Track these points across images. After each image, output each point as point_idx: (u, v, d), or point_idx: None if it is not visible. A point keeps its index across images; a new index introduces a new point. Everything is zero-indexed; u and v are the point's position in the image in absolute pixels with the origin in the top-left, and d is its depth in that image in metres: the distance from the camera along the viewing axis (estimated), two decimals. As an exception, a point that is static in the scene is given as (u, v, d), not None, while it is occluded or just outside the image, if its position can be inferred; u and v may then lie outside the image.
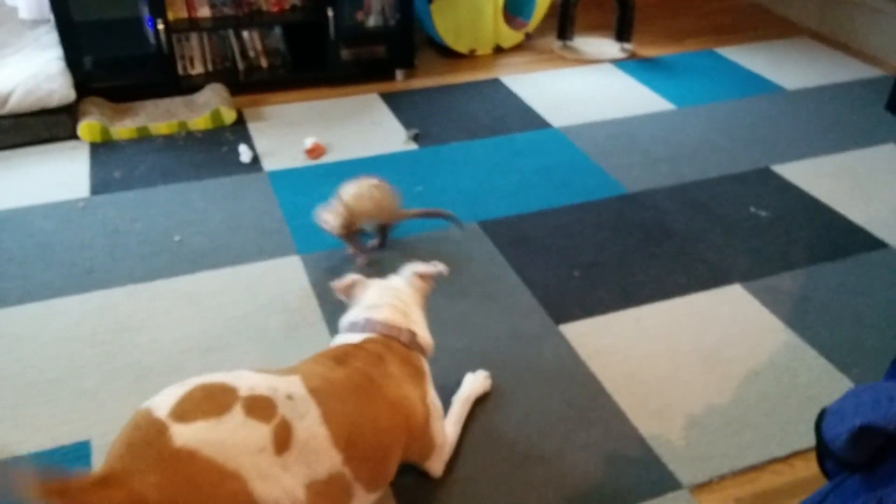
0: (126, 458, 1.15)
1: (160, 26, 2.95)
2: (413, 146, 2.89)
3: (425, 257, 2.02)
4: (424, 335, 1.61)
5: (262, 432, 1.22)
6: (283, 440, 1.23)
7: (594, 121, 3.08)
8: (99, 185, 2.59)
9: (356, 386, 1.38)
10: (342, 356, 1.45)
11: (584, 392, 1.82)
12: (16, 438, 1.68)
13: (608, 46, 3.79)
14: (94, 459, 1.63)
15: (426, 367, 1.59)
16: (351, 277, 1.66)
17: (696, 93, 3.33)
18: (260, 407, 1.24)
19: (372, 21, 3.32)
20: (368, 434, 1.35)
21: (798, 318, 2.04)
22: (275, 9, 3.22)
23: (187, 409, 1.20)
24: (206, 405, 1.21)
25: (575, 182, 2.66)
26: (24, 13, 3.12)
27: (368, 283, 1.66)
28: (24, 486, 1.03)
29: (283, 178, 2.66)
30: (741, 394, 1.81)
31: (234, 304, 2.08)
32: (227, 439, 1.18)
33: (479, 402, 1.78)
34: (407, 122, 3.04)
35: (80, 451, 1.65)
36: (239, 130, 2.96)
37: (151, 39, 3.02)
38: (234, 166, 2.72)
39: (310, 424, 1.28)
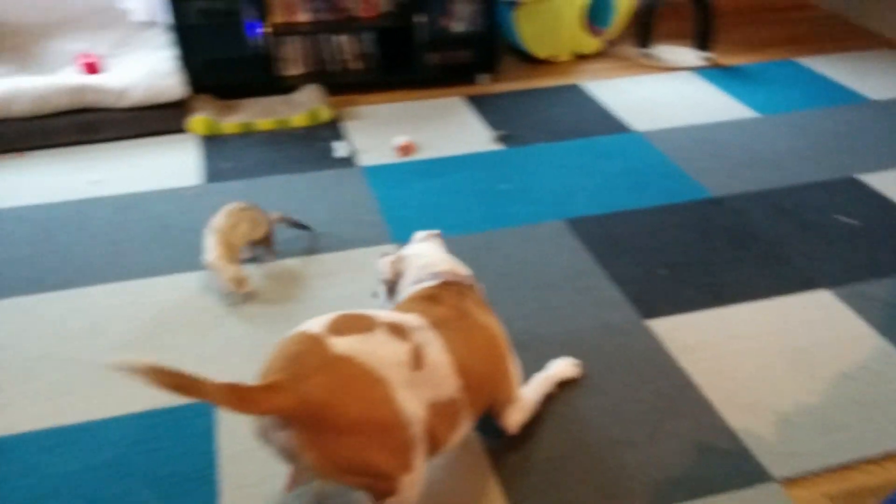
0: (290, 367, 1.29)
1: (263, 30, 3.13)
2: (499, 146, 3.00)
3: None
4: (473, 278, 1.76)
5: (403, 349, 1.39)
6: (417, 359, 1.40)
7: (676, 126, 3.14)
8: (211, 175, 2.78)
9: (457, 319, 1.54)
10: (433, 297, 1.59)
11: (673, 384, 1.89)
12: (147, 394, 1.85)
13: (688, 54, 3.84)
14: (216, 416, 1.78)
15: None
16: (387, 259, 1.78)
17: (778, 101, 3.35)
18: (398, 330, 1.42)
19: (457, 27, 3.45)
20: (476, 364, 1.51)
21: (889, 325, 2.07)
22: (367, 15, 3.38)
23: (339, 327, 1.37)
24: (354, 325, 1.38)
25: (658, 185, 2.73)
26: (137, 15, 3.34)
27: (405, 253, 1.78)
28: (209, 392, 1.19)
29: (377, 174, 2.80)
30: (832, 395, 1.86)
31: (338, 285, 2.22)
32: (377, 350, 1.35)
33: (570, 389, 1.87)
34: (492, 124, 3.16)
35: (204, 409, 1.80)
36: (334, 128, 3.12)
37: (254, 42, 3.20)
38: (331, 161, 2.88)
39: (436, 351, 1.44)
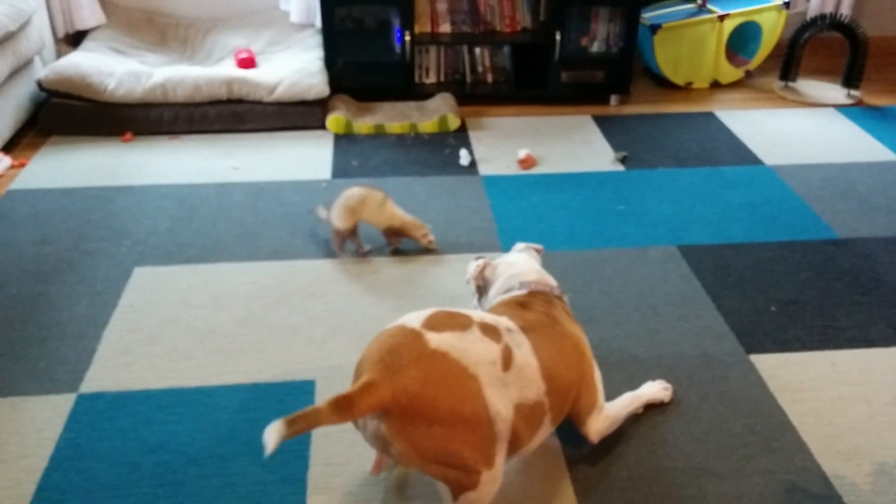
0: (386, 359, 1.37)
1: (407, 38, 3.29)
2: (620, 167, 3.00)
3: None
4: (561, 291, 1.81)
5: (494, 349, 1.45)
6: (507, 360, 1.46)
7: (809, 163, 3.02)
8: (339, 170, 2.95)
9: (546, 326, 1.59)
10: (523, 303, 1.66)
11: (769, 422, 1.84)
12: (256, 368, 2.00)
13: (833, 91, 3.68)
14: (316, 397, 1.91)
15: None
16: (479, 262, 1.85)
17: (928, 146, 3.15)
18: (491, 330, 1.48)
19: (595, 47, 3.47)
20: (561, 369, 1.55)
21: None
22: (507, 30, 3.47)
23: (436, 323, 1.44)
24: (450, 322, 1.45)
25: (782, 220, 2.64)
26: (294, 17, 3.59)
27: (496, 262, 1.86)
28: (323, 417, 1.31)
29: (496, 183, 2.87)
30: (941, 454, 1.75)
31: (444, 287, 2.30)
32: (470, 347, 1.41)
33: (661, 412, 1.86)
34: (616, 145, 3.16)
35: (306, 388, 1.93)
36: (461, 136, 3.22)
37: (397, 49, 3.37)
38: (454, 167, 2.98)
39: (525, 353, 1.50)
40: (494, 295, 1.78)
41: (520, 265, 1.81)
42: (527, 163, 2.99)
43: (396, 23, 3.33)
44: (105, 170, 2.95)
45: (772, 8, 3.61)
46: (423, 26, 3.42)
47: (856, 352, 2.05)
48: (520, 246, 1.96)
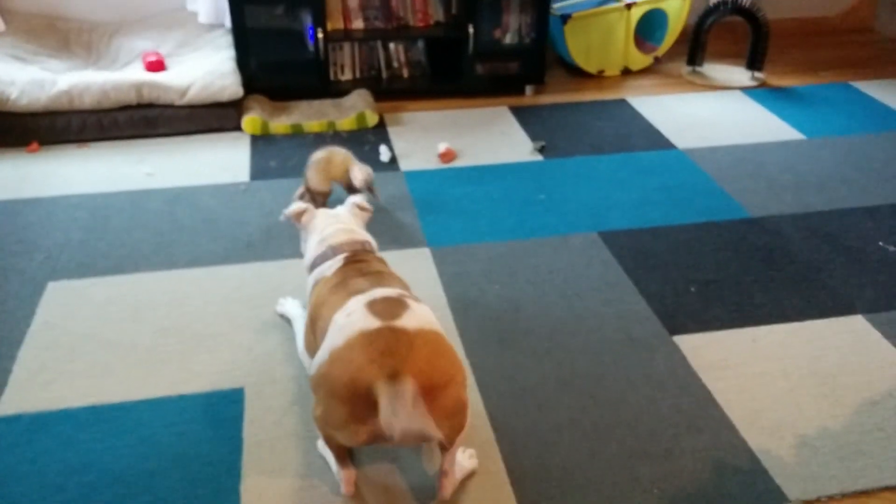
0: (388, 363, 1.39)
1: (319, 35, 3.24)
2: (538, 157, 3.03)
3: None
4: (374, 243, 1.92)
5: (428, 308, 1.58)
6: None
7: (720, 145, 3.13)
8: (257, 172, 2.88)
9: (393, 280, 1.72)
10: (359, 271, 1.72)
11: (695, 401, 1.89)
12: (181, 379, 1.93)
13: (739, 74, 3.81)
14: (245, 405, 1.86)
15: None
16: (299, 205, 1.95)
17: (828, 124, 3.31)
18: (411, 297, 1.60)
19: (508, 39, 3.50)
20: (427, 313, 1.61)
21: (920, 353, 2.04)
22: (421, 24, 3.45)
23: (387, 313, 1.48)
24: (394, 307, 1.51)
25: (696, 202, 2.73)
26: (203, 18, 3.48)
27: (316, 212, 1.95)
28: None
29: (418, 178, 2.86)
30: (857, 421, 1.84)
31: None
32: (428, 315, 1.53)
33: (591, 398, 1.89)
34: (534, 135, 3.19)
35: (235, 397, 1.88)
36: (380, 133, 3.20)
37: (310, 47, 3.31)
38: (375, 164, 2.95)
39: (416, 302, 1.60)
40: (309, 253, 1.87)
41: (326, 227, 1.88)
42: (447, 156, 2.99)
43: (308, 20, 3.27)
44: (11, 182, 2.80)
45: (677, -4, 3.72)
46: (335, 23, 3.37)
47: (773, 327, 2.14)
48: (352, 200, 2.02)
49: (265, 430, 1.79)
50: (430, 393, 1.41)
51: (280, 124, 3.15)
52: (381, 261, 1.85)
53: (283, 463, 1.71)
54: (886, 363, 2.01)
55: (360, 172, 2.58)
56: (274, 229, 2.54)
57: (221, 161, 2.96)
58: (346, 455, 1.62)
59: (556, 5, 3.68)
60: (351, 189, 2.60)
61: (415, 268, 2.36)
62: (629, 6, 3.63)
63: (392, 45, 3.50)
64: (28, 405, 1.85)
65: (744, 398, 1.90)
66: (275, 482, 1.67)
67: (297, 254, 2.41)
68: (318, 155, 2.57)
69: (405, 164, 2.96)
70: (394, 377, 1.37)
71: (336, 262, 1.79)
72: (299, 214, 1.96)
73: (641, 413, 1.85)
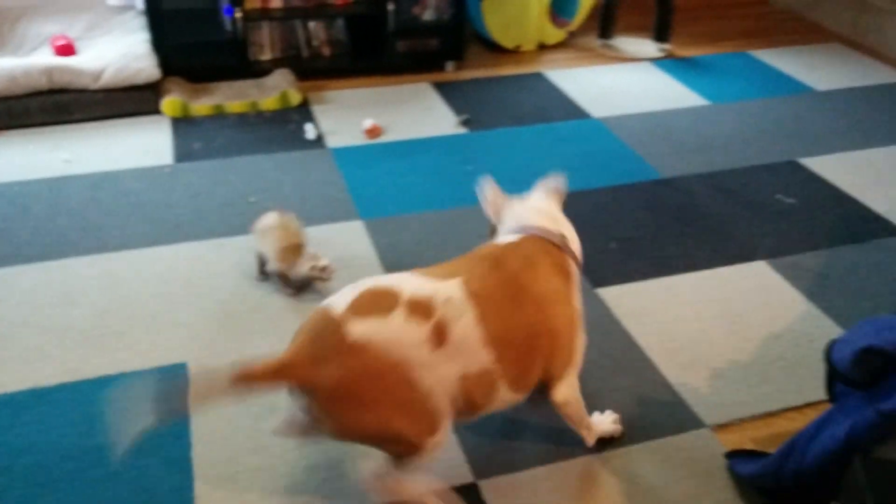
0: (308, 347, 1.36)
1: (237, 14, 3.23)
2: (463, 130, 3.13)
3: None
4: (573, 238, 1.67)
5: (419, 331, 1.38)
6: (440, 337, 1.40)
7: (632, 113, 3.30)
8: (182, 154, 2.87)
9: (510, 291, 1.50)
10: (499, 258, 1.55)
11: (619, 346, 2.03)
12: (121, 358, 1.94)
13: (647, 46, 4.00)
14: (186, 373, 1.89)
15: (575, 271, 1.63)
16: (496, 192, 1.74)
17: (729, 90, 3.52)
18: (420, 308, 1.40)
19: (427, 15, 3.56)
20: (519, 339, 1.49)
21: (818, 292, 2.24)
22: (340, 2, 3.48)
23: (361, 307, 1.38)
24: (376, 305, 1.39)
25: (613, 167, 2.88)
26: (112, 0, 3.41)
27: (511, 201, 1.72)
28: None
29: (346, 154, 2.91)
30: (762, 353, 2.02)
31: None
32: (392, 335, 1.36)
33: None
34: (457, 109, 3.28)
35: (178, 371, 1.91)
36: (304, 112, 3.22)
37: (228, 26, 3.29)
38: (301, 143, 2.98)
39: (465, 325, 1.43)
40: (502, 230, 1.69)
41: (527, 209, 1.68)
42: (373, 132, 3.04)
43: (225, 0, 3.25)
44: (-85, 174, 2.70)
45: (586, -29, 3.86)
46: (253, 2, 3.35)
47: (686, 276, 2.30)
48: (543, 185, 1.77)
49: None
50: (334, 406, 1.36)
51: (201, 105, 3.14)
52: (541, 273, 1.55)
53: (231, 429, 1.76)
54: (786, 301, 2.20)
55: (307, 263, 2.14)
56: (202, 209, 2.54)
57: (143, 145, 2.93)
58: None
59: (470, -18, 3.76)
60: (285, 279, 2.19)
61: (350, 240, 2.42)
62: (541, -18, 3.75)
63: (312, 24, 3.52)
64: (-38, 393, 1.83)
65: (662, 340, 2.05)
66: (225, 447, 1.71)
67: (230, 232, 2.44)
68: (266, 223, 2.14)
69: (332, 142, 3.00)
70: (284, 356, 1.35)
71: (510, 237, 1.60)
72: (493, 201, 1.73)
73: (571, 360, 1.97)
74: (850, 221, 2.57)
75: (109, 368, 1.91)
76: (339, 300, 1.41)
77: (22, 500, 1.57)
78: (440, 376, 1.40)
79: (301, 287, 2.20)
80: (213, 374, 1.31)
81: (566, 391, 1.61)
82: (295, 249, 2.14)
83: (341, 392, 1.33)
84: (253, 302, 2.15)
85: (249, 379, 1.32)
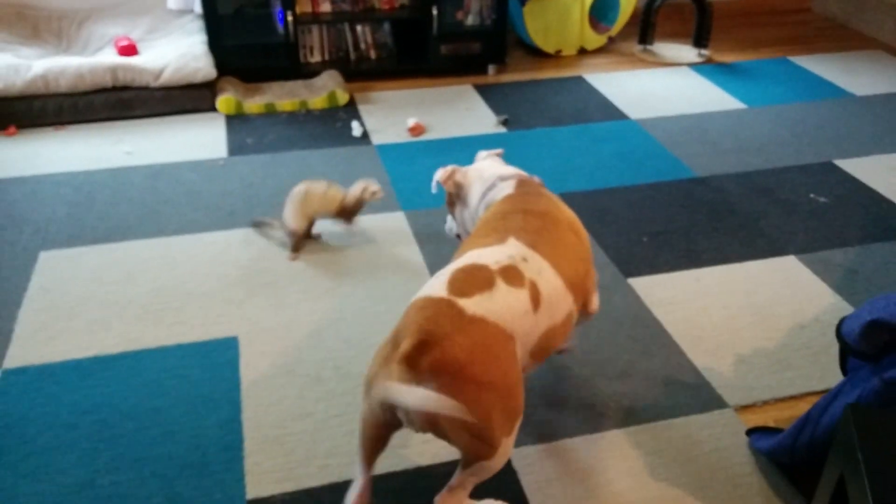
0: (427, 327, 1.30)
1: (289, 18, 3.39)
2: (502, 129, 3.23)
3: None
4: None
5: (524, 296, 1.40)
6: (536, 299, 1.43)
7: (669, 115, 3.36)
8: (235, 149, 3.03)
9: (553, 228, 1.57)
10: (523, 205, 1.62)
11: (648, 332, 2.11)
12: (178, 332, 2.09)
13: (686, 51, 4.06)
14: (241, 351, 2.02)
15: None
16: (449, 168, 1.86)
17: (767, 95, 3.56)
18: (512, 275, 1.42)
19: (470, 20, 3.68)
20: (578, 267, 1.56)
21: (846, 286, 2.28)
22: (386, 6, 3.62)
23: (463, 288, 1.37)
24: (475, 283, 1.38)
25: (648, 165, 2.95)
26: (172, 4, 3.61)
27: (465, 168, 1.87)
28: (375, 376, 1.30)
29: (389, 151, 3.04)
30: (787, 341, 2.07)
31: (350, 245, 2.45)
32: (504, 306, 1.37)
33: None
34: (497, 111, 3.39)
35: (230, 344, 2.04)
36: (350, 111, 3.36)
37: (280, 29, 3.46)
38: (348, 139, 3.12)
39: (547, 278, 1.47)
40: (477, 197, 1.79)
41: (490, 167, 1.83)
42: (416, 130, 3.17)
43: (278, 4, 3.42)
44: (-9, 163, 2.91)
45: (626, -22, 3.95)
46: (303, 6, 3.52)
47: (714, 268, 2.36)
48: (482, 154, 1.97)
49: (260, 371, 1.96)
50: (454, 381, 1.27)
51: (254, 104, 3.30)
52: (554, 201, 1.69)
53: (279, 396, 1.88)
54: (813, 294, 2.25)
55: (369, 186, 2.41)
56: (254, 199, 2.69)
57: (198, 139, 3.10)
58: (371, 454, 1.46)
59: (513, -12, 3.88)
60: (342, 213, 2.41)
61: (391, 229, 2.54)
62: (581, -12, 3.84)
63: (359, 27, 3.67)
64: (34, 358, 1.99)
65: (689, 327, 2.12)
66: (273, 412, 1.84)
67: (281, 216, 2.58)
68: (295, 190, 2.38)
69: (377, 139, 3.13)
70: (423, 340, 1.28)
71: (507, 186, 1.71)
72: (450, 175, 1.85)
73: (601, 343, 2.06)
74: (883, 221, 2.60)
75: (166, 340, 2.06)
76: (435, 287, 1.39)
77: (88, 452, 1.72)
78: (531, 341, 1.42)
79: (353, 213, 2.40)
80: (393, 385, 1.26)
81: (597, 300, 1.78)
82: (316, 209, 2.38)
83: (468, 367, 1.28)
84: (300, 284, 2.28)
85: (414, 367, 1.26)
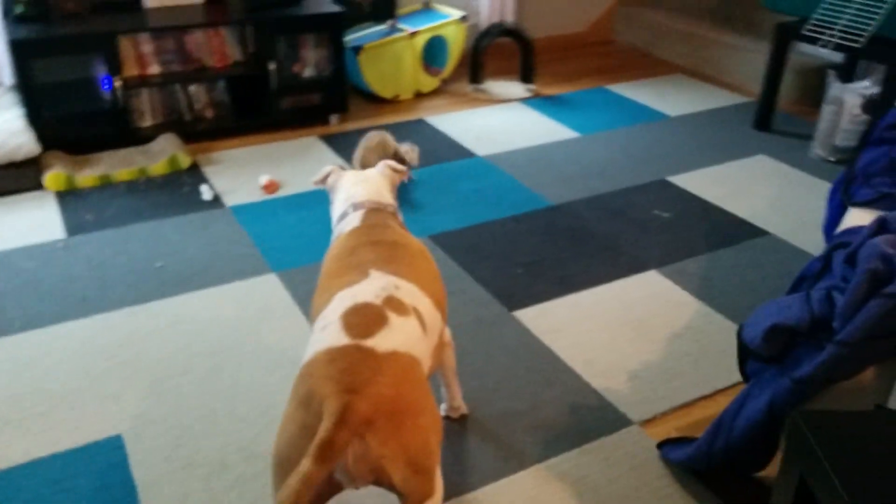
0: (345, 381, 1.26)
1: (117, 83, 3.18)
2: (358, 179, 3.22)
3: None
4: (396, 207, 1.84)
5: (414, 323, 1.44)
6: (422, 322, 1.48)
7: (513, 149, 3.52)
8: (74, 228, 2.78)
9: (404, 254, 1.61)
10: (370, 237, 1.64)
11: (543, 361, 2.17)
12: (51, 439, 1.86)
13: (515, 87, 4.28)
14: (128, 449, 1.84)
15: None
16: (327, 168, 1.90)
17: (595, 122, 3.83)
18: (396, 305, 1.44)
19: (307, 72, 3.66)
20: (436, 287, 1.61)
21: (705, 292, 2.49)
22: (219, 65, 3.51)
23: (361, 329, 1.36)
24: (370, 321, 1.37)
25: (506, 199, 3.06)
26: (-23, 77, 3.27)
27: (343, 173, 1.88)
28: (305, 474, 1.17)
29: (246, 211, 2.93)
30: (668, 351, 2.22)
31: (226, 317, 2.32)
32: (404, 336, 1.39)
33: (460, 370, 2.09)
34: (347, 159, 3.38)
35: (114, 444, 1.85)
36: (196, 174, 3.21)
37: (106, 96, 3.24)
38: (198, 204, 2.96)
39: (421, 300, 1.51)
40: (335, 216, 1.81)
41: (353, 186, 1.82)
42: (271, 188, 3.08)
43: (102, 70, 3.20)
44: None
45: (452, 22, 4.11)
46: (130, 70, 3.33)
47: (588, 291, 2.49)
48: (383, 161, 1.93)
49: (155, 469, 1.79)
50: (391, 420, 1.26)
51: (86, 177, 3.06)
52: (401, 227, 1.75)
53: (183, 493, 1.73)
54: (680, 303, 2.43)
55: (411, 151, 3.10)
56: (106, 279, 2.48)
57: (29, 222, 2.81)
58: None
59: (347, 38, 3.90)
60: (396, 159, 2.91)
61: (266, 294, 2.43)
62: (413, 35, 3.94)
63: (192, 87, 3.52)
64: None
65: (580, 351, 2.21)
66: (179, 512, 1.68)
67: (142, 299, 2.39)
68: (372, 136, 3.01)
69: (230, 200, 3.01)
70: (347, 392, 1.24)
71: (354, 218, 1.73)
72: (325, 177, 1.89)
73: (503, 380, 2.09)
74: (721, 228, 2.87)
75: (39, 451, 1.83)
76: (332, 336, 1.36)
77: None
78: (427, 363, 1.46)
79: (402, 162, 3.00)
80: (298, 475, 1.18)
81: (448, 332, 1.81)
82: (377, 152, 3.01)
83: (397, 401, 1.27)
84: (180, 365, 2.12)
85: (329, 446, 1.19)
